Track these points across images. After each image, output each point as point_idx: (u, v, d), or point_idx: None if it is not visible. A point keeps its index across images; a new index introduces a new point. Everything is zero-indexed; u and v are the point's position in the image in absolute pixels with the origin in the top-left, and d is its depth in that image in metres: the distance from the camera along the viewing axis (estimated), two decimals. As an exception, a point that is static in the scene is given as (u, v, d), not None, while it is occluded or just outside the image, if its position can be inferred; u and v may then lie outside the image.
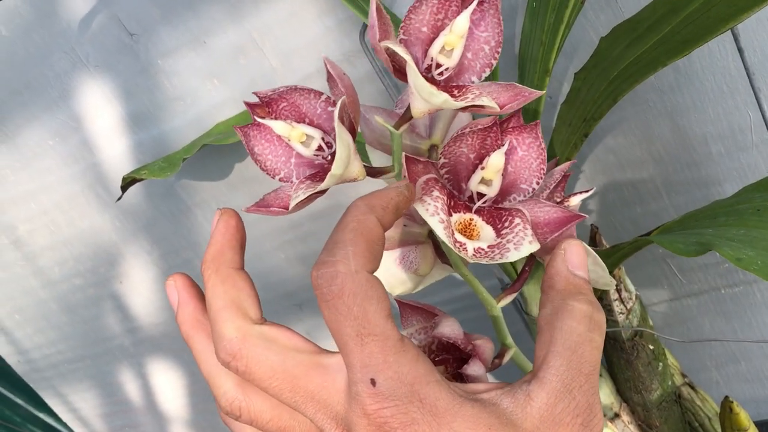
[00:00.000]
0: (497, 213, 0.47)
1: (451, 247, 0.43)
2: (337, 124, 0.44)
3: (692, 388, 0.76)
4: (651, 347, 0.70)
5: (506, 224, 0.46)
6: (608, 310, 0.70)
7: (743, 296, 0.78)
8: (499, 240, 0.45)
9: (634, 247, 0.55)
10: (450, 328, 0.47)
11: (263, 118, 0.48)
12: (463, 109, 0.44)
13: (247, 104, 0.49)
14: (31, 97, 0.90)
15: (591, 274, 0.53)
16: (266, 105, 0.49)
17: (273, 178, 0.49)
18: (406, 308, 0.50)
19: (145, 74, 0.83)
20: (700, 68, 0.66)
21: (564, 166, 0.54)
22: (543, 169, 0.47)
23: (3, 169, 0.99)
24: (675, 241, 0.48)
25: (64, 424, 1.60)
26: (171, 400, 1.19)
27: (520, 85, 0.45)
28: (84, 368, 1.21)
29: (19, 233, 1.05)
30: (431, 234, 0.58)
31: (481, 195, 0.47)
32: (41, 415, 1.58)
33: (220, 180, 0.89)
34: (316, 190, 0.46)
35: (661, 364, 0.72)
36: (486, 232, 0.47)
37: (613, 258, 0.58)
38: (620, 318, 0.68)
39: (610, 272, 0.66)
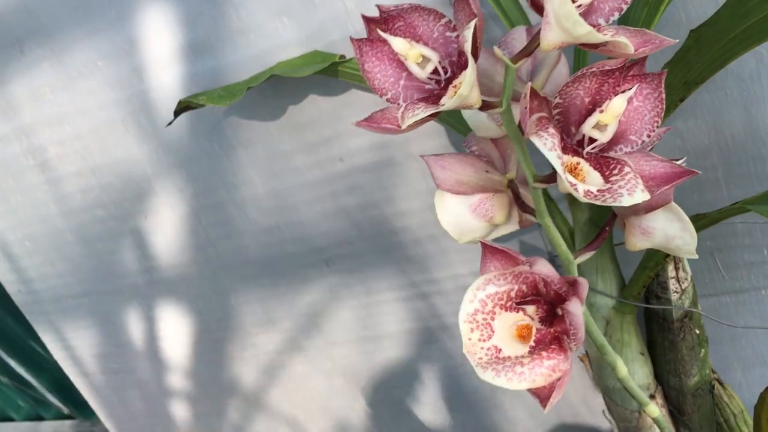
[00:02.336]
0: (604, 161, 0.47)
1: (566, 184, 0.43)
2: (467, 44, 0.43)
3: (721, 384, 0.76)
4: (697, 331, 0.70)
5: (614, 171, 0.46)
6: (663, 287, 0.69)
7: (783, 299, 0.79)
8: (608, 185, 0.45)
9: (721, 215, 0.55)
10: (546, 268, 0.47)
11: (384, 31, 0.48)
12: (598, 46, 0.44)
13: (365, 18, 0.49)
14: (86, 15, 0.89)
15: (677, 241, 0.53)
16: (384, 21, 0.48)
17: (381, 97, 0.49)
18: (489, 251, 0.49)
19: (212, 2, 0.82)
20: (786, 60, 0.66)
21: (662, 131, 0.54)
22: (657, 123, 0.47)
23: (42, 87, 0.97)
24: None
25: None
26: (174, 347, 1.17)
27: (650, 32, 0.45)
28: (88, 304, 1.19)
29: (48, 156, 1.03)
30: (511, 183, 0.58)
31: (591, 141, 0.47)
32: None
33: (270, 121, 0.88)
34: (436, 110, 0.45)
35: (703, 350, 0.72)
36: (593, 177, 0.46)
37: (695, 226, 0.57)
38: (674, 297, 0.68)
39: None
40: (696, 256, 0.53)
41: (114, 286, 1.14)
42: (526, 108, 0.45)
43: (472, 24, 0.43)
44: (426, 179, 0.85)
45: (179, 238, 1.03)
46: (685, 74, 0.55)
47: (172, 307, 1.12)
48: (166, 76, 0.89)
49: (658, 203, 0.52)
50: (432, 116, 0.46)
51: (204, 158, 0.94)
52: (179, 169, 0.96)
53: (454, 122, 0.73)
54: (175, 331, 1.15)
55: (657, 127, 0.47)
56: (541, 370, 0.46)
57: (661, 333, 0.73)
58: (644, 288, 0.68)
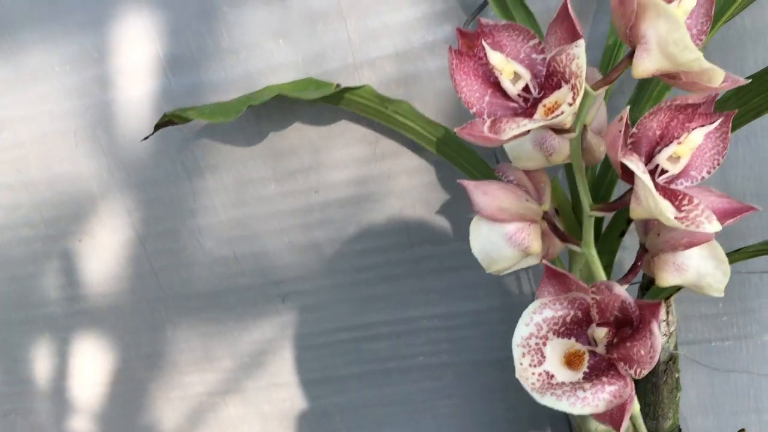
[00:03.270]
0: (671, 192, 0.49)
1: (659, 204, 0.45)
2: (581, 62, 0.44)
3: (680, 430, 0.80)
4: (677, 375, 0.74)
5: (684, 202, 0.48)
6: None
7: (730, 351, 0.85)
8: (683, 213, 0.47)
9: (760, 251, 0.59)
10: (624, 291, 0.48)
11: (480, 46, 0.48)
12: (681, 79, 0.47)
13: (459, 30, 0.50)
14: (52, 13, 0.82)
15: (708, 279, 0.56)
16: (476, 37, 0.49)
17: (468, 109, 0.49)
18: (550, 274, 0.50)
19: (204, 17, 0.79)
20: (761, 128, 0.73)
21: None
22: (718, 160, 0.50)
23: (-18, 87, 0.88)
24: None
25: None
26: (85, 387, 1.07)
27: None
28: (-13, 336, 1.06)
29: (-25, 164, 0.93)
30: (546, 215, 0.59)
31: (662, 171, 0.50)
32: None
33: (246, 146, 0.85)
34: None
35: (678, 394, 0.75)
36: (665, 205, 0.48)
37: (731, 259, 0.60)
38: (662, 339, 0.71)
39: (675, 291, 0.69)
40: (722, 294, 0.56)
41: (25, 315, 1.03)
42: (620, 131, 0.46)
43: (582, 42, 0.45)
44: (404, 217, 0.85)
45: (117, 265, 0.96)
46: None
47: (92, 341, 1.02)
48: (135, 89, 0.84)
49: (700, 240, 0.55)
50: (525, 132, 0.47)
51: (164, 180, 0.88)
52: (132, 191, 0.90)
53: (453, 153, 0.74)
54: (89, 369, 1.05)
55: (718, 164, 0.50)
56: (604, 396, 0.46)
57: (647, 375, 0.76)
58: None
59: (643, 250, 0.60)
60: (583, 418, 0.75)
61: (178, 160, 0.87)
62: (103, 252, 0.95)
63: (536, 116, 0.47)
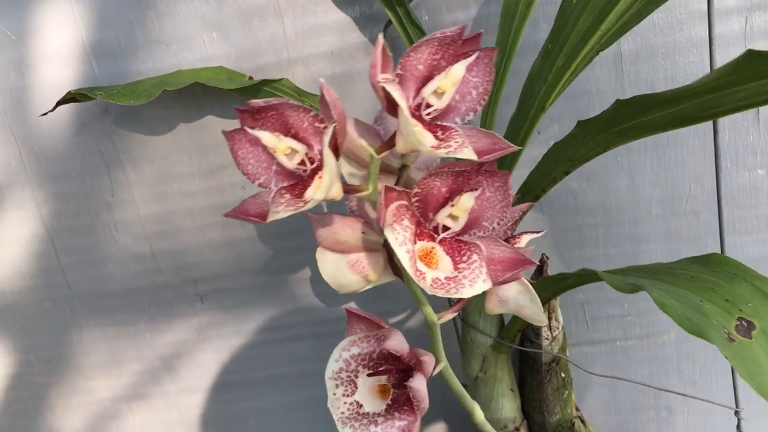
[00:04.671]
0: (457, 245, 0.53)
1: (412, 275, 0.48)
2: (326, 151, 0.47)
3: (582, 421, 0.85)
4: (563, 375, 0.79)
5: (464, 258, 0.52)
6: (536, 333, 0.78)
7: (633, 350, 0.90)
8: (456, 273, 0.50)
9: (580, 280, 0.63)
10: (398, 342, 0.53)
11: (252, 127, 0.49)
12: (443, 157, 0.49)
13: (238, 109, 0.50)
14: (-35, -7, 0.78)
15: (527, 311, 0.61)
16: (256, 112, 0.49)
17: (253, 182, 0.52)
18: (353, 317, 0.56)
19: (134, 6, 0.78)
20: (666, 138, 0.79)
21: (524, 206, 0.62)
22: (506, 212, 0.54)
23: None
24: (615, 279, 0.54)
25: None
26: (-26, 395, 1.00)
27: (499, 136, 0.52)
28: None
29: None
30: (386, 243, 0.62)
31: (445, 227, 0.53)
32: None
33: (170, 139, 0.83)
34: (296, 211, 0.48)
35: (566, 392, 0.80)
36: (444, 262, 0.52)
37: (556, 287, 0.66)
38: (545, 343, 0.77)
39: (548, 301, 0.75)
40: (544, 323, 0.61)
41: None
42: (381, 204, 0.49)
43: (330, 128, 0.46)
44: (330, 216, 0.85)
45: (20, 261, 0.90)
46: (571, 153, 0.62)
47: (-13, 344, 0.96)
48: (55, 75, 0.81)
49: (511, 278, 0.58)
50: (296, 213, 0.48)
51: (80, 172, 0.85)
52: (44, 182, 0.86)
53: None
54: (-19, 375, 0.98)
55: (506, 215, 0.53)
56: (393, 431, 0.51)
57: (531, 373, 0.81)
58: (520, 332, 0.76)
59: None
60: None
61: (97, 151, 0.84)
62: (7, 247, 0.90)
63: (308, 190, 0.48)
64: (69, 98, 0.72)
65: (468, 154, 0.47)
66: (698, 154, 0.80)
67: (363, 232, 0.61)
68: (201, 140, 0.83)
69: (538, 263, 0.77)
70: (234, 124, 0.82)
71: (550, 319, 0.78)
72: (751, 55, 0.41)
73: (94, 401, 0.98)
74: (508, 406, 0.78)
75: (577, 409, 0.84)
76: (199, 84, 0.74)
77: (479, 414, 0.63)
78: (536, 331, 0.78)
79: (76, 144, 0.84)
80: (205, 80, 0.75)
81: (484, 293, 0.62)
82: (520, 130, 0.67)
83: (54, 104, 0.73)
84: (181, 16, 0.78)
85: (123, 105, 0.80)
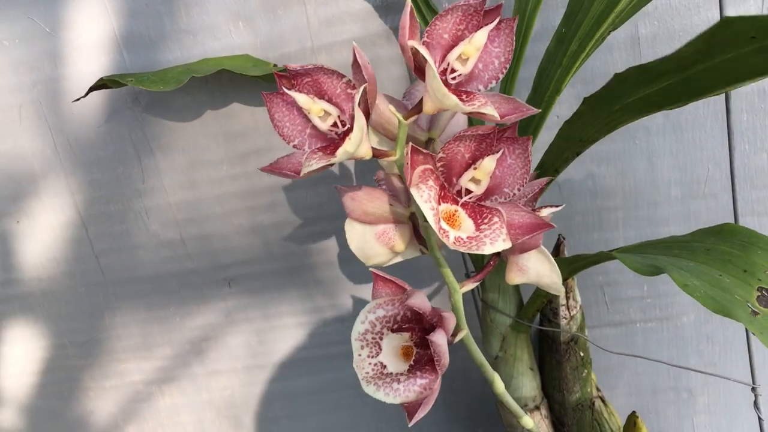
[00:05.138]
0: (479, 209, 0.55)
1: (436, 231, 0.50)
2: (356, 108, 0.51)
3: (603, 401, 0.86)
4: (581, 354, 0.80)
5: (485, 221, 0.54)
6: (555, 312, 0.79)
7: (653, 332, 0.91)
8: (477, 233, 0.53)
9: (595, 259, 0.64)
10: (420, 300, 0.54)
11: (289, 89, 0.53)
12: (468, 113, 0.52)
13: (277, 75, 0.54)
14: (2, -13, 0.82)
15: (546, 279, 0.62)
16: (292, 78, 0.53)
17: (288, 143, 0.56)
18: (380, 280, 0.57)
19: (163, -3, 0.81)
20: (685, 120, 0.80)
21: (542, 181, 0.63)
22: (526, 178, 0.56)
23: None
24: (634, 260, 0.55)
25: None
26: (10, 378, 1.03)
27: (520, 100, 0.54)
28: None
29: None
30: (412, 216, 0.64)
31: (468, 191, 0.55)
32: None
33: (199, 126, 0.86)
34: (328, 163, 0.52)
35: (585, 371, 0.81)
36: (467, 224, 0.54)
37: (572, 267, 0.67)
38: (563, 322, 0.78)
39: (566, 280, 0.76)
40: (562, 293, 0.62)
41: (-50, 301, 0.99)
42: (407, 163, 0.52)
43: (361, 89, 0.50)
44: (353, 200, 0.87)
45: (55, 248, 0.94)
46: (579, 133, 0.63)
47: (22, 328, 0.99)
48: (87, 66, 0.84)
49: (531, 246, 0.60)
50: (328, 165, 0.52)
51: (112, 160, 0.88)
52: (77, 170, 0.89)
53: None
54: (17, 358, 1.02)
55: (526, 181, 0.55)
56: (414, 388, 0.53)
57: (550, 352, 0.82)
58: (539, 311, 0.77)
59: (497, 253, 0.65)
60: (505, 413, 0.80)
61: (128, 139, 0.87)
62: (42, 234, 0.93)
63: (339, 149, 0.51)
64: (100, 85, 0.75)
65: (491, 110, 0.50)
66: (716, 137, 0.81)
67: (390, 204, 0.63)
68: (228, 127, 0.85)
69: (555, 243, 0.78)
70: (260, 111, 0.85)
71: (567, 298, 0.79)
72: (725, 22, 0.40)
73: (126, 384, 1.02)
74: (528, 385, 0.80)
75: (598, 390, 0.85)
76: (225, 71, 0.77)
77: (500, 384, 0.64)
78: (554, 310, 0.79)
79: (107, 133, 0.87)
80: (231, 68, 0.77)
81: (505, 265, 0.64)
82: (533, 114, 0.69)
83: (86, 90, 0.76)
84: (207, 6, 0.80)
85: (153, 93, 0.84)
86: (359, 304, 0.93)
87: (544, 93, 0.67)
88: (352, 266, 0.92)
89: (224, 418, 1.03)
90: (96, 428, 1.05)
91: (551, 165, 0.69)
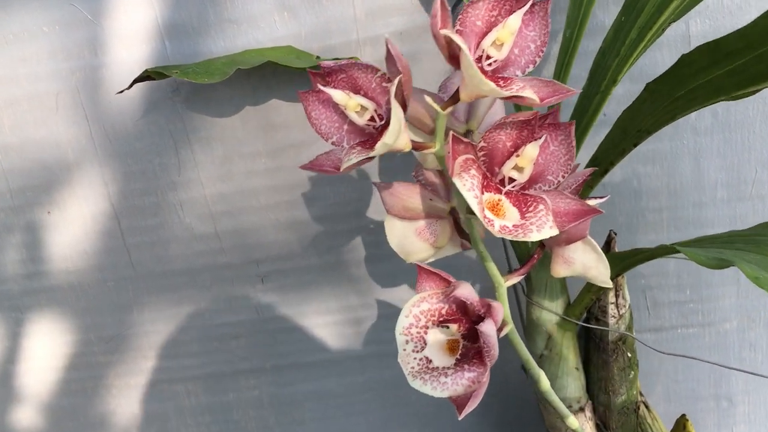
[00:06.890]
0: (523, 198, 0.54)
1: (481, 220, 0.49)
2: (392, 100, 0.50)
3: (647, 407, 0.84)
4: (629, 355, 0.78)
5: (530, 209, 0.52)
6: (603, 311, 0.77)
7: (694, 338, 0.90)
8: (523, 221, 0.51)
9: (653, 254, 0.62)
10: (468, 291, 0.53)
11: (324, 86, 0.52)
12: (507, 98, 0.51)
13: (311, 73, 0.54)
14: (45, -27, 0.81)
15: (593, 271, 0.61)
16: (327, 75, 0.53)
17: (326, 141, 0.56)
18: (423, 273, 0.56)
19: (208, -15, 0.80)
20: (734, 120, 0.79)
21: (586, 171, 0.62)
22: (570, 165, 0.55)
23: (-45, 46, 0.85)
24: (699, 254, 0.53)
25: None
26: (34, 373, 1.01)
27: (559, 83, 0.53)
28: (-72, 317, 1.00)
29: (-62, 126, 0.88)
30: (453, 211, 0.63)
31: (511, 180, 0.54)
32: None
33: (238, 119, 0.85)
34: (368, 156, 0.52)
35: (632, 372, 0.79)
36: (511, 212, 0.53)
37: (628, 261, 0.66)
38: (611, 321, 0.76)
39: (617, 277, 0.74)
40: (610, 285, 0.61)
41: (-24, 293, 0.97)
42: (449, 153, 0.51)
43: (396, 80, 0.50)
44: (393, 197, 0.86)
45: (86, 240, 0.92)
46: (639, 123, 0.62)
47: (50, 322, 0.98)
48: (128, 54, 0.83)
49: (577, 236, 0.59)
50: (368, 159, 0.52)
51: (149, 151, 0.87)
52: (112, 160, 0.88)
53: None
54: (40, 353, 1.00)
55: (570, 168, 0.54)
56: (462, 381, 0.52)
57: (597, 352, 0.80)
58: (586, 309, 0.76)
59: (541, 245, 0.63)
60: (548, 413, 0.79)
61: (167, 130, 0.86)
62: (73, 225, 0.92)
63: (377, 143, 0.50)
64: (144, 76, 0.74)
65: (530, 94, 0.49)
66: (765, 138, 0.80)
67: (430, 199, 0.62)
68: (269, 119, 0.84)
69: (606, 239, 0.77)
70: (300, 104, 0.83)
71: (617, 296, 0.77)
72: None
73: (151, 382, 1.00)
74: (573, 385, 0.78)
75: (641, 394, 0.83)
76: (268, 64, 0.76)
77: (545, 382, 0.63)
78: (603, 308, 0.77)
79: (145, 123, 0.86)
80: (275, 59, 0.76)
81: (551, 261, 0.63)
82: (588, 105, 0.68)
83: (130, 82, 0.75)
84: (253, -4, 0.80)
85: (194, 84, 0.83)
86: (393, 304, 0.92)
87: (600, 83, 0.66)
88: (387, 264, 0.90)
89: (251, 419, 1.01)
90: (118, 427, 1.03)
91: (606, 157, 0.67)
